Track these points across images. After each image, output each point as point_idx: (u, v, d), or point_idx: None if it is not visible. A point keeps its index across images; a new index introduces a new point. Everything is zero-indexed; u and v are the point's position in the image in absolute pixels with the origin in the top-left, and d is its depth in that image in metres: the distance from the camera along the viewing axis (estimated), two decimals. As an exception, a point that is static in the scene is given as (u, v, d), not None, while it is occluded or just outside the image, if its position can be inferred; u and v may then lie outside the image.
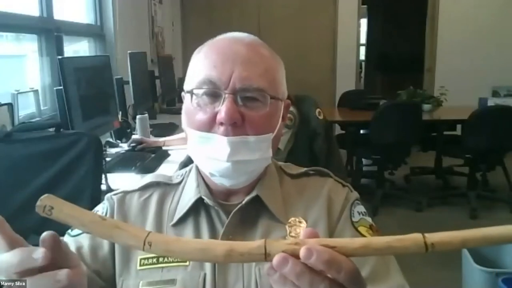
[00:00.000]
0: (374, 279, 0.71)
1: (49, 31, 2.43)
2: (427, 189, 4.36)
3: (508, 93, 5.45)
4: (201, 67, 0.74)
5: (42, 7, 2.41)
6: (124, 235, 0.46)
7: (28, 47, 2.48)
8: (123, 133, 2.56)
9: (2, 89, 2.03)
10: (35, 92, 2.25)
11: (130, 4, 3.62)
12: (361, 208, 0.81)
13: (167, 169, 1.95)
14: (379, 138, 3.63)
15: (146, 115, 2.62)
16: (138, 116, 2.59)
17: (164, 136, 2.55)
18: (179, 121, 0.79)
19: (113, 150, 2.34)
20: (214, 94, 0.72)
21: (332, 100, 5.48)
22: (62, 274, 0.46)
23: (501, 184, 4.10)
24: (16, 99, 1.93)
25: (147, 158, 2.10)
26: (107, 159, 1.96)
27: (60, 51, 2.32)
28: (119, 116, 2.53)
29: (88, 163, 1.36)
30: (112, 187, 1.57)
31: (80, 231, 0.75)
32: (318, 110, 2.05)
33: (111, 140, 2.47)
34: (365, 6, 7.31)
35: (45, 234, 0.48)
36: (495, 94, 5.46)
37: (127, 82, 2.84)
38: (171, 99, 4.15)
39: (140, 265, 0.74)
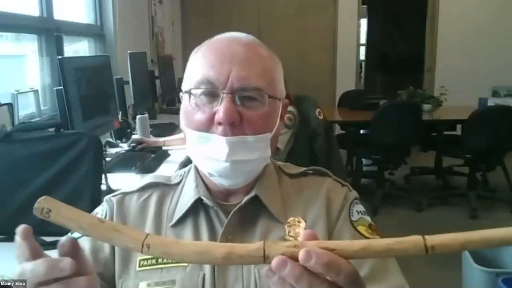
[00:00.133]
0: (373, 279, 0.71)
1: (49, 31, 2.43)
2: (427, 189, 4.36)
3: (508, 93, 5.44)
4: (199, 67, 0.74)
5: (42, 7, 2.41)
6: (123, 238, 0.46)
7: (28, 47, 2.48)
8: (123, 133, 2.56)
9: (2, 89, 2.03)
10: (35, 92, 2.25)
11: (130, 4, 3.62)
12: (360, 207, 0.81)
13: (167, 169, 1.95)
14: (379, 138, 3.63)
15: (146, 115, 2.62)
16: (138, 116, 2.59)
17: (164, 136, 2.55)
18: (179, 121, 0.79)
19: (113, 150, 2.34)
20: (212, 94, 0.72)
21: (332, 100, 5.48)
22: (81, 282, 0.47)
23: (501, 184, 4.09)
24: (16, 99, 1.93)
25: (147, 158, 2.10)
26: (107, 159, 1.95)
27: (60, 51, 2.32)
28: (119, 116, 2.53)
29: (88, 163, 1.35)
30: (112, 187, 1.57)
31: (80, 234, 0.75)
32: (318, 110, 2.05)
33: (111, 140, 2.47)
34: (365, 6, 7.30)
35: (64, 239, 0.48)
36: (495, 94, 5.45)
37: (127, 82, 2.84)
38: (171, 99, 4.15)
39: (140, 266, 0.74)
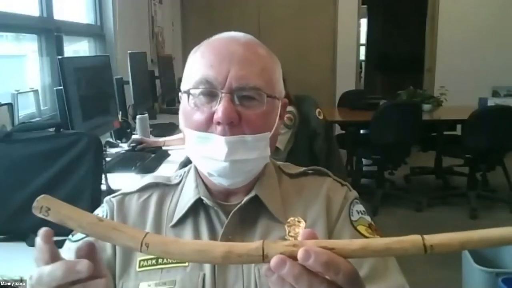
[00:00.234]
0: (373, 278, 0.71)
1: (49, 31, 2.43)
2: (427, 189, 4.36)
3: (508, 93, 5.44)
4: (197, 67, 0.74)
5: (42, 7, 2.41)
6: (122, 236, 0.46)
7: (28, 47, 2.48)
8: (123, 133, 2.56)
9: (2, 89, 2.03)
10: (35, 92, 2.25)
11: (130, 4, 3.62)
12: (360, 207, 0.81)
13: (167, 169, 1.95)
14: (379, 138, 3.63)
15: (146, 115, 2.62)
16: (138, 116, 2.59)
17: (164, 136, 2.56)
18: (179, 121, 0.79)
19: (113, 150, 2.34)
20: (210, 94, 0.72)
21: (332, 100, 5.48)
22: (99, 284, 0.47)
23: (501, 184, 4.09)
24: (16, 99, 1.93)
25: (147, 158, 2.11)
26: (107, 159, 1.95)
27: (60, 51, 2.32)
28: (119, 116, 2.53)
29: (88, 163, 1.36)
30: (112, 187, 1.57)
31: (82, 236, 0.74)
32: (318, 110, 2.05)
33: (111, 140, 2.47)
34: (365, 6, 7.30)
35: (82, 242, 0.48)
36: (495, 94, 5.45)
37: (127, 82, 2.84)
38: (171, 99, 4.15)
39: (140, 267, 0.74)
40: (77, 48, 3.09)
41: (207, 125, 0.72)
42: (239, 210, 0.76)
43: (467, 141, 3.64)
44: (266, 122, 0.74)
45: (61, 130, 1.42)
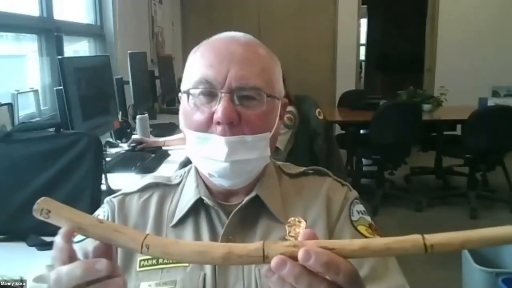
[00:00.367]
0: (373, 278, 0.71)
1: (49, 31, 2.43)
2: (427, 189, 4.35)
3: (508, 93, 5.44)
4: (197, 67, 0.74)
5: (42, 7, 2.41)
6: (122, 238, 0.46)
7: (28, 47, 2.48)
8: (123, 133, 2.56)
9: (2, 89, 2.03)
10: (35, 92, 2.25)
11: (130, 4, 3.62)
12: (360, 207, 0.81)
13: (167, 169, 1.95)
14: (379, 138, 3.63)
15: (146, 115, 2.62)
16: (138, 116, 2.59)
17: (164, 136, 2.55)
18: (179, 121, 0.79)
19: (113, 150, 2.34)
20: (210, 94, 0.72)
21: (332, 100, 5.48)
22: (119, 282, 0.47)
23: (501, 184, 4.09)
24: (16, 99, 1.93)
25: (147, 158, 2.10)
26: (107, 159, 1.95)
27: (60, 51, 2.32)
28: (119, 116, 2.53)
29: (88, 163, 1.36)
30: (112, 187, 1.57)
31: (82, 238, 0.75)
32: (318, 110, 2.05)
33: (111, 140, 2.47)
34: (365, 6, 7.30)
35: (98, 243, 0.48)
36: (495, 94, 5.45)
37: (127, 82, 2.84)
38: (171, 99, 4.15)
39: (140, 267, 0.74)
40: (77, 48, 3.09)
41: (207, 125, 0.72)
42: (239, 210, 0.76)
43: (467, 141, 3.64)
44: (266, 122, 0.74)
45: (61, 130, 1.42)
